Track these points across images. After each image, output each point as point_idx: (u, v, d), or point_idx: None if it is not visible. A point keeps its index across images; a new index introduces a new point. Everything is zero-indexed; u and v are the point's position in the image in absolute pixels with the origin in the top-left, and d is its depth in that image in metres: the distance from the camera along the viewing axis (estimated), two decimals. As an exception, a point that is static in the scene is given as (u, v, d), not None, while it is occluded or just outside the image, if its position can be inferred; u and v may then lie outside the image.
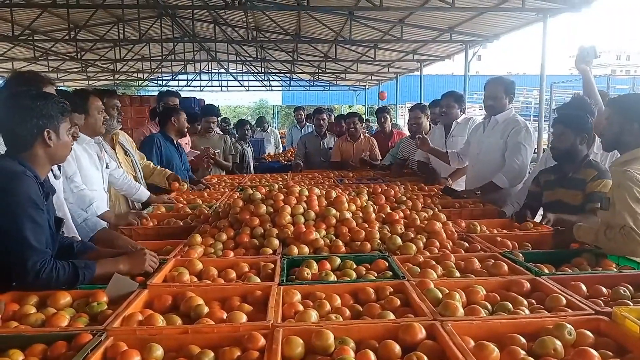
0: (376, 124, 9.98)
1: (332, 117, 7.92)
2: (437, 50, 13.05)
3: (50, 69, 16.77)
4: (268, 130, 11.44)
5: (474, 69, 25.65)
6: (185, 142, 5.40)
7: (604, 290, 1.92)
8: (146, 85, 26.56)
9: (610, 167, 2.52)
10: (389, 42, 11.88)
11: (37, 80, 2.43)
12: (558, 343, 1.45)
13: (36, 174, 1.92)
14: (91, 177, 3.08)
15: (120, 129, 3.89)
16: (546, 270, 2.16)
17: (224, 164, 6.00)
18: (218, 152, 6.11)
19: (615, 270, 2.17)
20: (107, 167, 3.32)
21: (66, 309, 1.81)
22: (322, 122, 6.55)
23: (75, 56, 14.70)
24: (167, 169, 4.25)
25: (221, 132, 6.80)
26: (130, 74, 20.73)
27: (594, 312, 1.65)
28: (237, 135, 7.75)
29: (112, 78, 21.78)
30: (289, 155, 8.89)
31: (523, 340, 1.49)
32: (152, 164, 4.26)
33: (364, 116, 24.37)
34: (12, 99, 1.94)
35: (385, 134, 6.56)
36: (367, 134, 6.76)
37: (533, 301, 1.86)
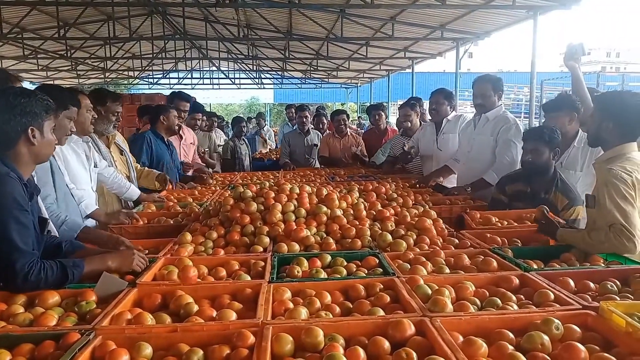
0: (368, 121, 10.01)
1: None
2: (429, 48, 13.08)
3: (40, 67, 16.64)
4: (264, 129, 11.45)
5: (465, 66, 25.74)
6: (191, 141, 5.36)
7: (592, 285, 1.94)
8: (137, 84, 26.40)
9: (593, 163, 2.54)
10: (381, 40, 11.90)
11: (3, 78, 2.39)
12: (545, 338, 1.46)
13: (20, 174, 1.89)
14: (79, 176, 3.06)
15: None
16: (535, 266, 2.17)
17: (210, 162, 5.98)
18: (207, 150, 6.10)
19: (602, 265, 2.19)
20: (95, 166, 3.30)
21: (54, 309, 1.80)
22: (304, 119, 6.57)
23: (65, 54, 14.58)
24: (154, 170, 4.21)
25: (206, 130, 6.76)
26: (120, 72, 20.58)
27: (581, 307, 1.66)
28: (232, 132, 7.74)
29: (102, 76, 21.63)
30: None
31: (511, 335, 1.51)
32: (139, 166, 4.22)
33: (356, 114, 24.32)
34: None
35: (379, 131, 6.57)
36: (360, 131, 6.82)
37: (522, 297, 1.87)
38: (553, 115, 3.44)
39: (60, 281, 1.88)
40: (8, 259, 1.78)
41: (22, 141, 1.90)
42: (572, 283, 1.92)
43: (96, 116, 3.25)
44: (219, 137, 7.75)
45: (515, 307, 1.75)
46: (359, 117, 22.71)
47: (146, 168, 4.22)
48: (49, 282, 1.85)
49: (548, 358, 1.41)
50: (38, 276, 1.81)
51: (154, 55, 17.17)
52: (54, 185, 2.63)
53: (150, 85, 25.19)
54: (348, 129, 6.45)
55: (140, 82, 25.92)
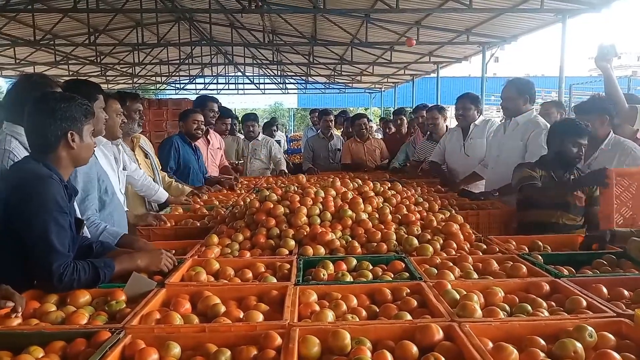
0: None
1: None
2: (454, 52, 12.96)
3: (71, 73, 17.04)
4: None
5: (492, 70, 25.43)
6: (218, 146, 5.41)
7: (626, 292, 1.88)
8: (164, 89, 26.83)
9: None
10: (405, 44, 11.83)
11: (45, 84, 2.44)
12: (579, 345, 1.42)
13: (60, 176, 1.95)
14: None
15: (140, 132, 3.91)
16: (566, 272, 2.12)
17: (237, 168, 6.00)
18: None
19: (636, 272, 2.13)
20: (124, 169, 3.35)
21: (85, 307, 1.83)
22: (329, 123, 6.54)
23: (95, 60, 14.92)
24: (186, 187, 4.22)
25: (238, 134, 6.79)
26: (148, 77, 20.98)
27: (615, 314, 1.62)
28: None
29: (130, 82, 22.05)
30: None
31: (542, 342, 1.47)
32: (167, 176, 4.23)
33: (377, 118, 24.18)
34: (36, 102, 1.97)
35: (400, 135, 6.54)
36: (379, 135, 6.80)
37: (552, 303, 1.83)
38: (584, 118, 3.37)
39: (92, 281, 1.91)
40: (45, 260, 1.82)
41: (62, 145, 1.96)
42: (605, 290, 1.87)
43: (125, 120, 3.31)
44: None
45: (546, 313, 1.72)
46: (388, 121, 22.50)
47: (174, 182, 4.20)
48: (82, 283, 1.88)
49: (581, 366, 1.37)
50: (72, 277, 1.85)
51: (181, 61, 17.43)
52: (99, 193, 2.68)
53: (177, 91, 25.55)
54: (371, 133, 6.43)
55: (167, 88, 26.34)
